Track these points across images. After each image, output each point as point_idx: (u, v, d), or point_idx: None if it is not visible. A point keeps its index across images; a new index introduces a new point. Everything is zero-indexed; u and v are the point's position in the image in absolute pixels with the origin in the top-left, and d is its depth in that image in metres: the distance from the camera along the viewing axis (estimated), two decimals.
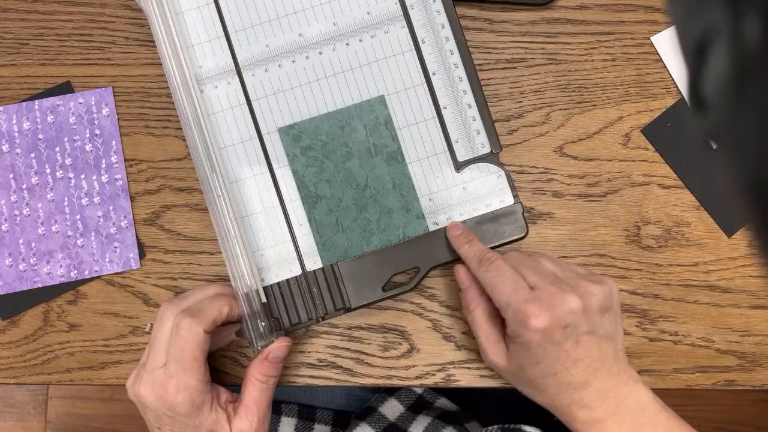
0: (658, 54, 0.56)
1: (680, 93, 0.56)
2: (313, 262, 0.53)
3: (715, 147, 0.22)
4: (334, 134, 0.53)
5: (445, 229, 0.52)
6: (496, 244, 0.53)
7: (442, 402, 0.65)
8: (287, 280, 0.53)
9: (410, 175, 0.53)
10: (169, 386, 0.47)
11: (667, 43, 0.56)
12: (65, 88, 0.57)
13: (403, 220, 0.53)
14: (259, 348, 0.50)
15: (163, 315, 0.49)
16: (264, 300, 0.51)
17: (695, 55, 0.21)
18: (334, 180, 0.53)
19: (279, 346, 0.50)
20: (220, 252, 0.56)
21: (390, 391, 0.65)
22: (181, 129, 0.56)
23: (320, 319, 0.52)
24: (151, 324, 0.51)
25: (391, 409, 0.62)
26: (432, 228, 0.53)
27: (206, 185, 0.51)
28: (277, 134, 0.53)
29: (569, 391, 0.46)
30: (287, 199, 0.53)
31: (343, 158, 0.53)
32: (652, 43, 0.56)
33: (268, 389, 0.50)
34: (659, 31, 0.56)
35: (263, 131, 0.53)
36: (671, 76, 0.56)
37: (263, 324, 0.50)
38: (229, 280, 0.52)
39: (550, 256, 0.50)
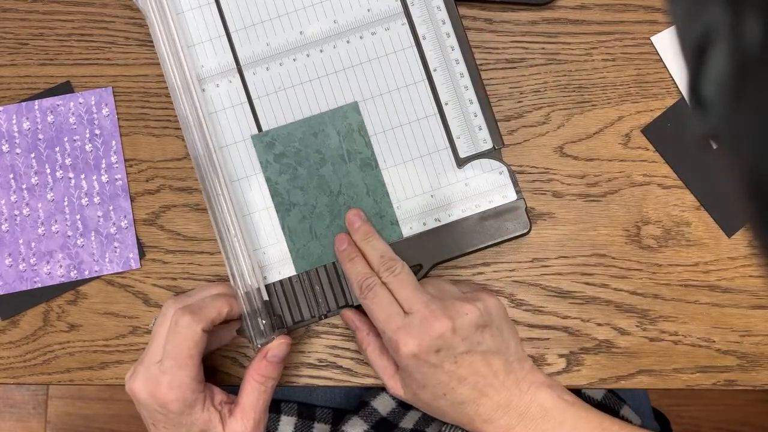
0: (658, 54, 0.56)
1: (680, 93, 0.56)
2: (289, 271, 0.53)
3: (715, 147, 0.22)
4: (307, 141, 0.53)
5: (445, 226, 0.52)
6: (499, 240, 0.52)
7: None
8: (289, 278, 0.53)
9: (384, 181, 0.53)
10: (162, 382, 0.47)
11: (667, 43, 0.56)
12: (65, 88, 0.57)
13: (377, 227, 0.53)
14: (259, 346, 0.50)
15: (165, 311, 0.49)
16: (266, 298, 0.51)
17: (695, 55, 0.21)
18: (308, 187, 0.53)
19: (278, 344, 0.50)
20: (220, 252, 0.56)
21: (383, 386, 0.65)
22: (181, 129, 0.56)
23: (323, 317, 0.52)
24: (155, 320, 0.51)
25: (383, 403, 0.62)
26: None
27: (206, 183, 0.51)
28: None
29: (465, 409, 0.48)
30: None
31: (316, 165, 0.53)
32: (652, 43, 0.56)
33: (265, 392, 0.49)
34: (659, 31, 0.56)
35: (264, 129, 0.53)
36: (671, 76, 0.56)
37: (264, 322, 0.50)
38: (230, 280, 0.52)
39: (439, 279, 0.51)
